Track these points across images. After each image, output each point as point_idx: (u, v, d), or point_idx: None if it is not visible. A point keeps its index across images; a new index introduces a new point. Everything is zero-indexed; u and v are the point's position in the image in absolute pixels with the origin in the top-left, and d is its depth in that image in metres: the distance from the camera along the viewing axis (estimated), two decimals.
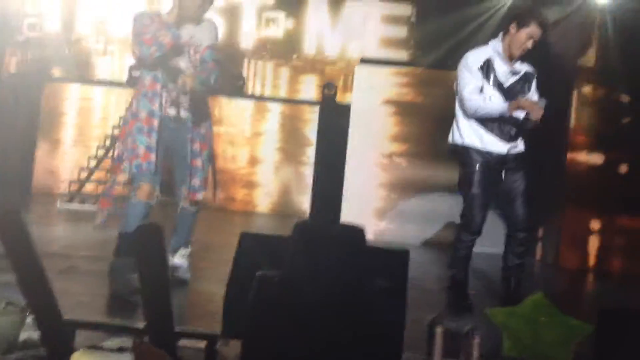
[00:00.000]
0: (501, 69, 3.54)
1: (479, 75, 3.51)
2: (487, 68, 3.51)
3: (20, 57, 10.86)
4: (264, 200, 10.16)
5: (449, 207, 3.90)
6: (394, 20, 10.58)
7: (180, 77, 3.33)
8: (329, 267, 1.70)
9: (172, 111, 3.41)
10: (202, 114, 3.52)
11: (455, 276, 3.73)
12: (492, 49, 3.58)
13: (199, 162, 3.50)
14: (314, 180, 9.97)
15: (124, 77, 10.46)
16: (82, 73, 10.81)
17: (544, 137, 5.80)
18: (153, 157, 3.33)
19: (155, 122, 3.32)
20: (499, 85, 3.52)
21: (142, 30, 3.31)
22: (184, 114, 3.44)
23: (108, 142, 9.19)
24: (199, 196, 3.55)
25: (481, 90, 3.52)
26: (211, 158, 3.62)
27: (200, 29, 3.43)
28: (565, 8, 7.18)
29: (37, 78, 10.16)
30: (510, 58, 3.54)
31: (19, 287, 1.66)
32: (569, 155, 5.93)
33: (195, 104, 3.45)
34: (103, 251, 4.53)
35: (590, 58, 5.88)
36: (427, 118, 6.43)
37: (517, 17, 3.53)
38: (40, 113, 9.96)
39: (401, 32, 10.63)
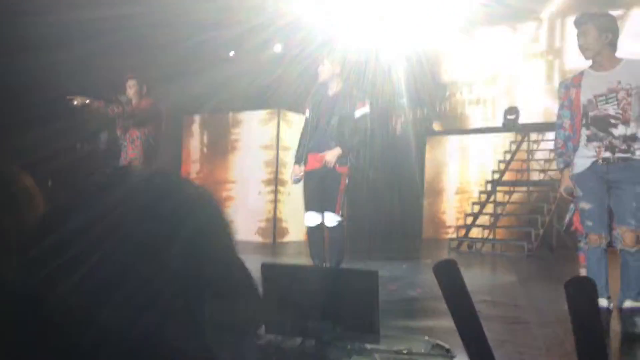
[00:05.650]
0: None
1: None
2: None
3: (403, 118, 12.07)
4: None
5: None
6: None
7: None
8: None
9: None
10: None
11: None
12: None
13: None
14: None
15: (497, 122, 10.59)
16: (459, 124, 11.37)
17: None
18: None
19: None
20: None
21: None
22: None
23: (489, 187, 9.31)
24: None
25: None
26: None
27: None
28: None
29: (420, 133, 11.10)
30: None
31: (458, 329, 1.69)
32: None
33: None
34: (501, 296, 4.48)
35: None
36: None
37: None
38: (424, 165, 10.78)
39: None
